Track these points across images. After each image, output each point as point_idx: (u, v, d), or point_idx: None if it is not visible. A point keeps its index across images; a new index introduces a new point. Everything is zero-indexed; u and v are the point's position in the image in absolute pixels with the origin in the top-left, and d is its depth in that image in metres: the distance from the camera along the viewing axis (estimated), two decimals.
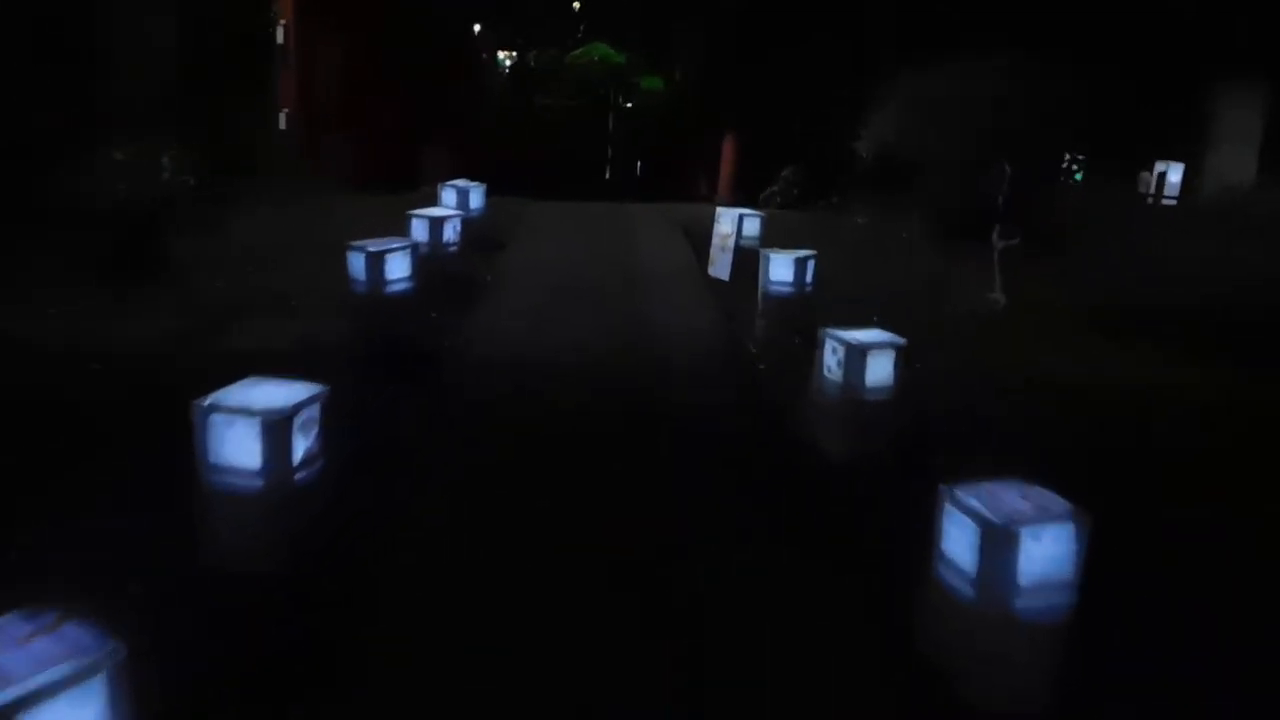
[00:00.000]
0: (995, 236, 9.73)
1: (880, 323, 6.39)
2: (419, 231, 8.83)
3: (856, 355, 5.71)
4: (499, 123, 17.10)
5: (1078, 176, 9.00)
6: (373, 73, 13.88)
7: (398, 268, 6.99)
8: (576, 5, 36.24)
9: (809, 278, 8.11)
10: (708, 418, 6.22)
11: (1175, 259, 10.63)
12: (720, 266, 10.27)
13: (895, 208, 13.50)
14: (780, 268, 8.03)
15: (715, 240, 10.34)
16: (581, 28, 36.53)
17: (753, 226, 10.18)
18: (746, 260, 10.32)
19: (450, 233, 8.91)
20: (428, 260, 8.74)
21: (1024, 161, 9.17)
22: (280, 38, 13.21)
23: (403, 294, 7.05)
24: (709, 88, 14.02)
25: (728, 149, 14.00)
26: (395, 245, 7.05)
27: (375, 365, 6.38)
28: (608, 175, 17.43)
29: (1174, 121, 11.85)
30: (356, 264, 6.94)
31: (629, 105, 19.13)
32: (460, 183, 10.82)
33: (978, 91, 8.73)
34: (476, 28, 30.85)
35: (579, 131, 18.29)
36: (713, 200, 14.32)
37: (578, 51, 34.05)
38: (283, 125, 13.42)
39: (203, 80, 11.18)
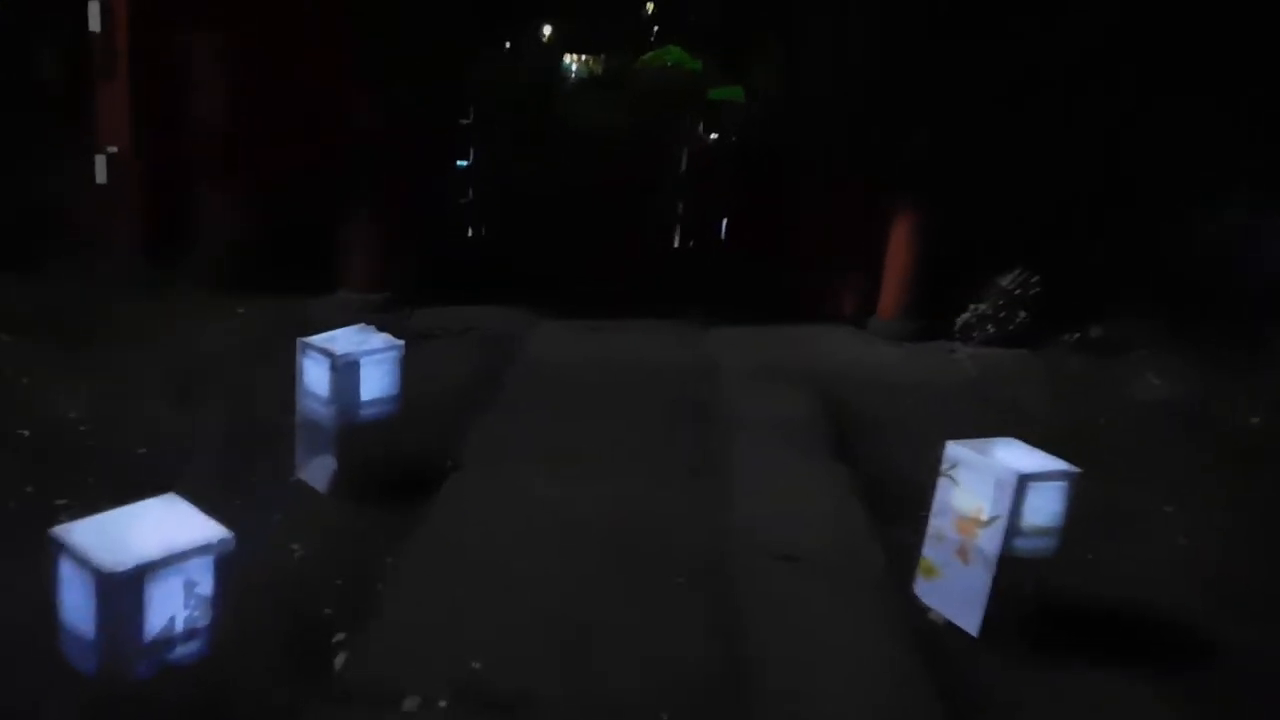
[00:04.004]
0: None
1: None
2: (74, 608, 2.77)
3: None
4: (508, 161, 10.97)
5: None
6: (280, 86, 7.92)
7: None
8: (650, 6, 31.62)
9: None
10: None
11: None
12: (959, 596, 4.06)
13: (1223, 351, 7.12)
14: None
15: (940, 526, 4.13)
16: (655, 29, 31.38)
17: (1046, 506, 3.93)
18: (1021, 571, 3.98)
19: (177, 615, 2.82)
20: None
21: None
22: (95, 22, 7.39)
23: None
24: (873, 105, 7.62)
25: (900, 228, 7.66)
26: None
27: None
28: (675, 244, 11.22)
29: None
30: None
31: (713, 135, 12.86)
32: (341, 342, 4.75)
33: None
34: (546, 30, 25.86)
35: (634, 171, 12.12)
36: (864, 322, 7.96)
37: (648, 55, 28.52)
38: (101, 178, 7.58)
39: None
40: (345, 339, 4.81)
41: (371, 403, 4.75)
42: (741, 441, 5.45)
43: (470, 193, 10.76)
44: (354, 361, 4.66)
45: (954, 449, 4.13)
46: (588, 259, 9.34)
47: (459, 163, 10.55)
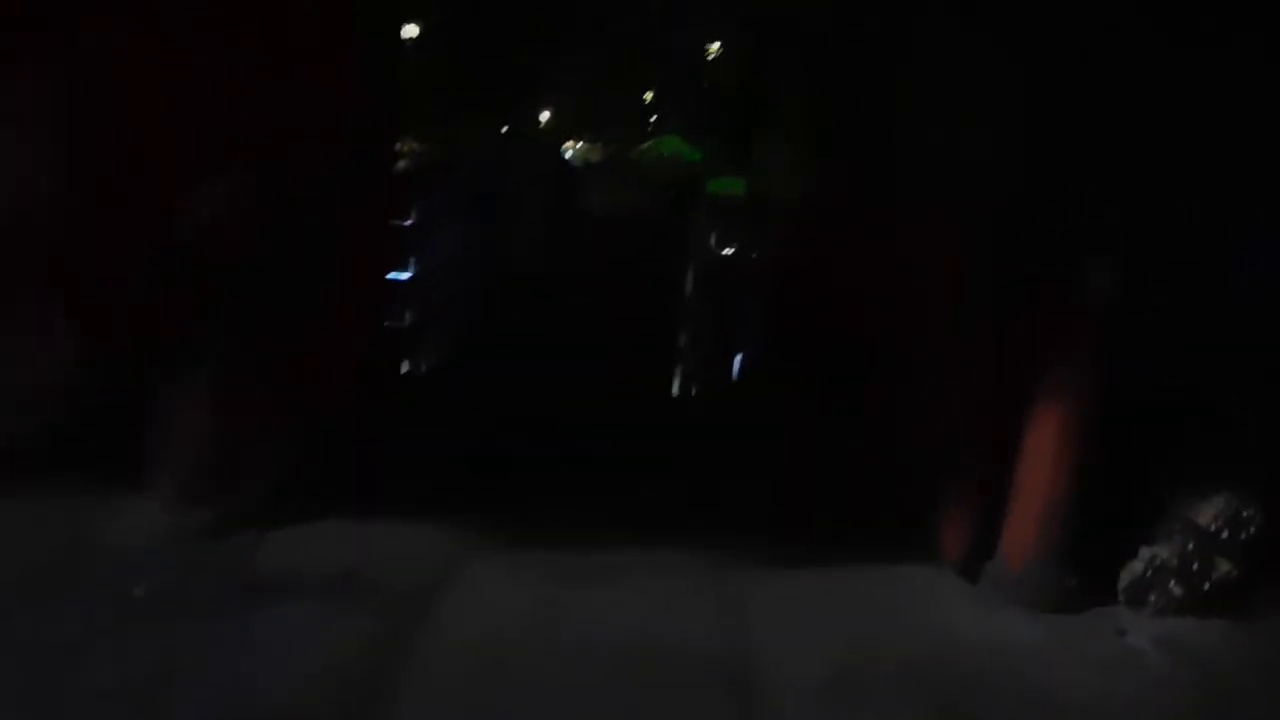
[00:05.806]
0: None
1: None
2: None
3: None
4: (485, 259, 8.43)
5: None
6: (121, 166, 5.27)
7: None
8: (649, 96, 31.76)
9: None
10: None
11: None
12: None
13: None
14: None
15: None
16: (654, 118, 31.11)
17: None
18: None
19: None
20: None
21: None
22: None
23: None
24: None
25: (1050, 407, 4.88)
26: None
27: None
28: (675, 390, 8.64)
29: None
30: None
31: (727, 250, 10.32)
32: None
33: None
34: (543, 115, 25.74)
35: (626, 283, 9.58)
36: (976, 569, 5.12)
37: (645, 146, 28.22)
38: None
39: None
40: None
41: None
42: None
43: (407, 316, 8.16)
44: None
45: None
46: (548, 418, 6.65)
47: (392, 275, 7.96)
